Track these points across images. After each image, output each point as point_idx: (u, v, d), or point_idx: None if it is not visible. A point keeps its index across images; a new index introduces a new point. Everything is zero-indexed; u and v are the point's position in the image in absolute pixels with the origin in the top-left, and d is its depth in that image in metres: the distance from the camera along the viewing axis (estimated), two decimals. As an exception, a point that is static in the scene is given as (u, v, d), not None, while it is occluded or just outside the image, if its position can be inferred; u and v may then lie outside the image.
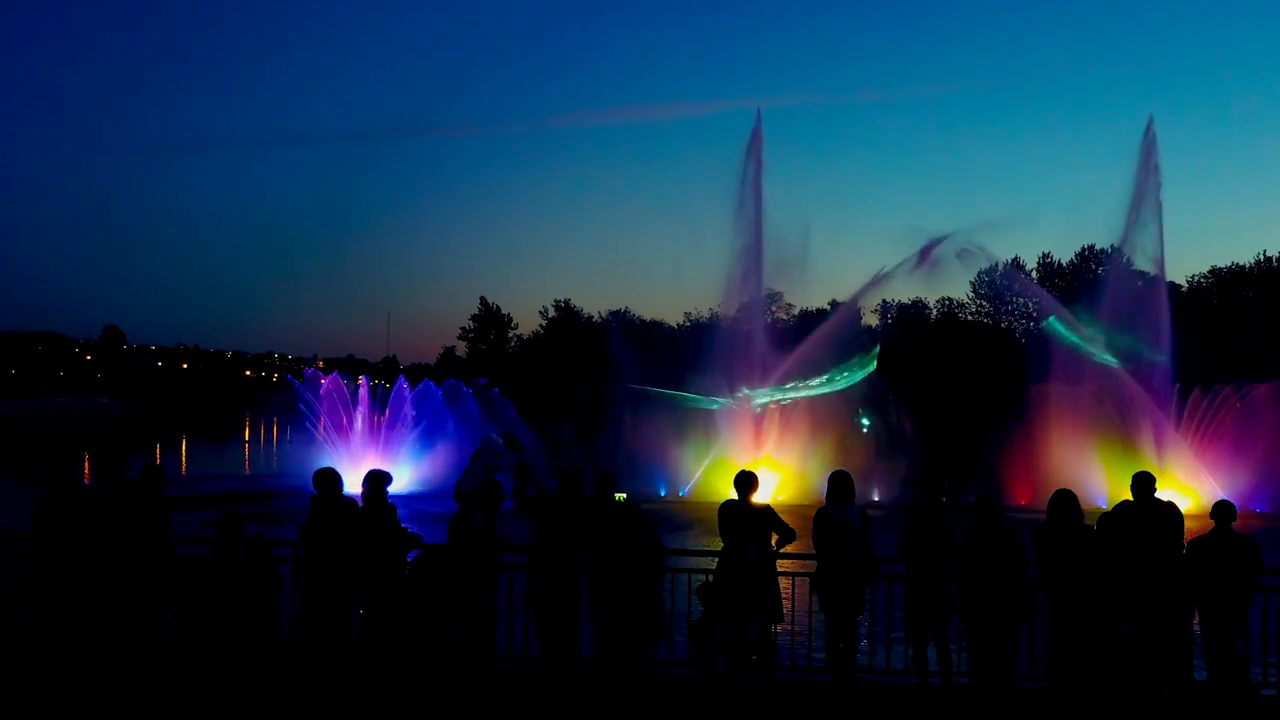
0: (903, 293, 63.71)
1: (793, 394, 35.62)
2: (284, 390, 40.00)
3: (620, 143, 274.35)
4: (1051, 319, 35.04)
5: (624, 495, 9.67)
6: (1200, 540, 8.99)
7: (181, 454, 58.60)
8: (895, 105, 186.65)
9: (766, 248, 36.32)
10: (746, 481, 9.28)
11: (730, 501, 8.36)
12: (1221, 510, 9.10)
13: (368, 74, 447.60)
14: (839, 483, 9.44)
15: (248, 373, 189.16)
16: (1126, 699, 8.73)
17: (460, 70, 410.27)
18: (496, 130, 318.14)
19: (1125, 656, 8.77)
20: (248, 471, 45.94)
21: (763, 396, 35.57)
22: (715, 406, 35.42)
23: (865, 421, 37.30)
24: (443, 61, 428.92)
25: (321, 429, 36.74)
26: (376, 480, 9.49)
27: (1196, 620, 9.10)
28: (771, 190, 36.71)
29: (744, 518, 8.36)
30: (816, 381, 35.36)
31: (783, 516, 9.30)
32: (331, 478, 9.42)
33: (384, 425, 36.88)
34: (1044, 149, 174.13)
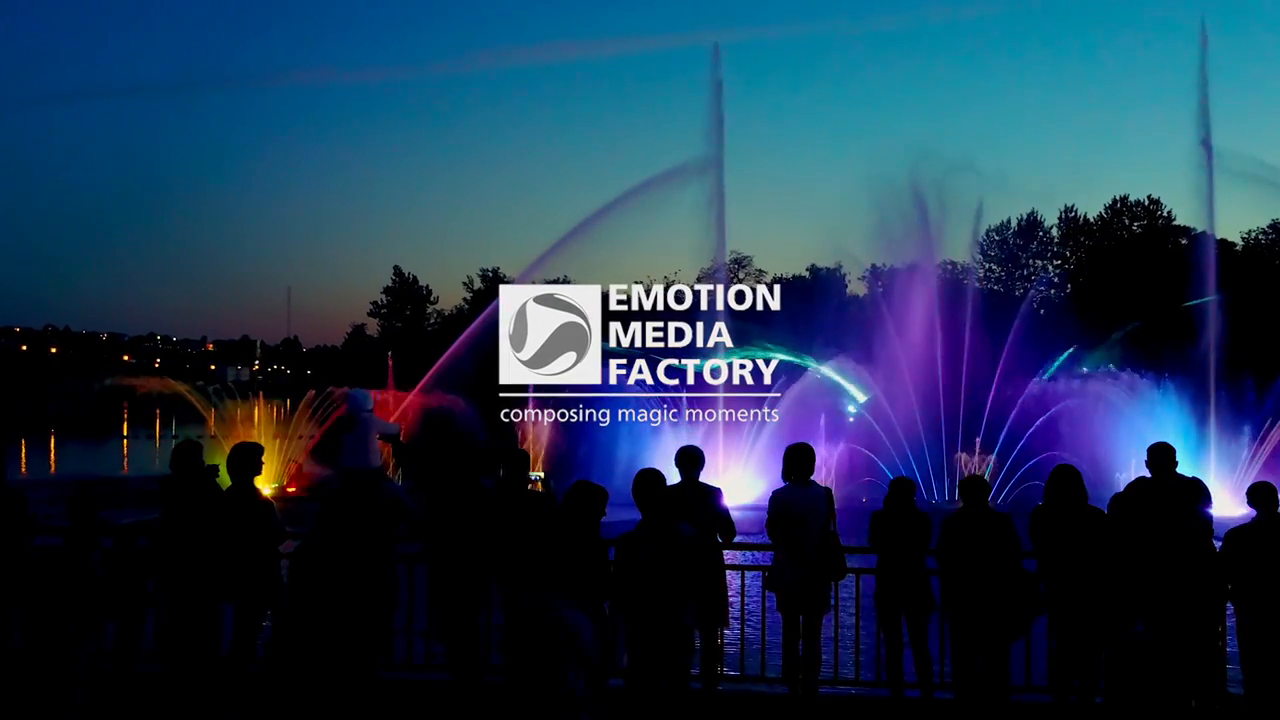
0: (896, 256, 63.40)
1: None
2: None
3: (556, 85, 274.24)
4: None
5: (543, 474, 9.43)
6: (1240, 530, 8.89)
7: (50, 451, 58.43)
8: (872, 37, 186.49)
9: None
10: (690, 458, 9.13)
11: (650, 470, 8.03)
12: (1261, 494, 8.98)
13: (253, 11, 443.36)
14: (798, 457, 9.22)
15: (126, 358, 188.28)
16: (1143, 715, 8.58)
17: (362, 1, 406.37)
18: (409, 73, 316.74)
19: (1143, 663, 8.62)
20: (125, 471, 45.95)
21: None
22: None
23: (852, 409, 37.24)
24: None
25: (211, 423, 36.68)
26: (243, 455, 9.17)
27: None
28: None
29: (671, 490, 8.10)
30: None
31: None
32: (188, 451, 9.28)
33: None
34: (1062, 83, 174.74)
